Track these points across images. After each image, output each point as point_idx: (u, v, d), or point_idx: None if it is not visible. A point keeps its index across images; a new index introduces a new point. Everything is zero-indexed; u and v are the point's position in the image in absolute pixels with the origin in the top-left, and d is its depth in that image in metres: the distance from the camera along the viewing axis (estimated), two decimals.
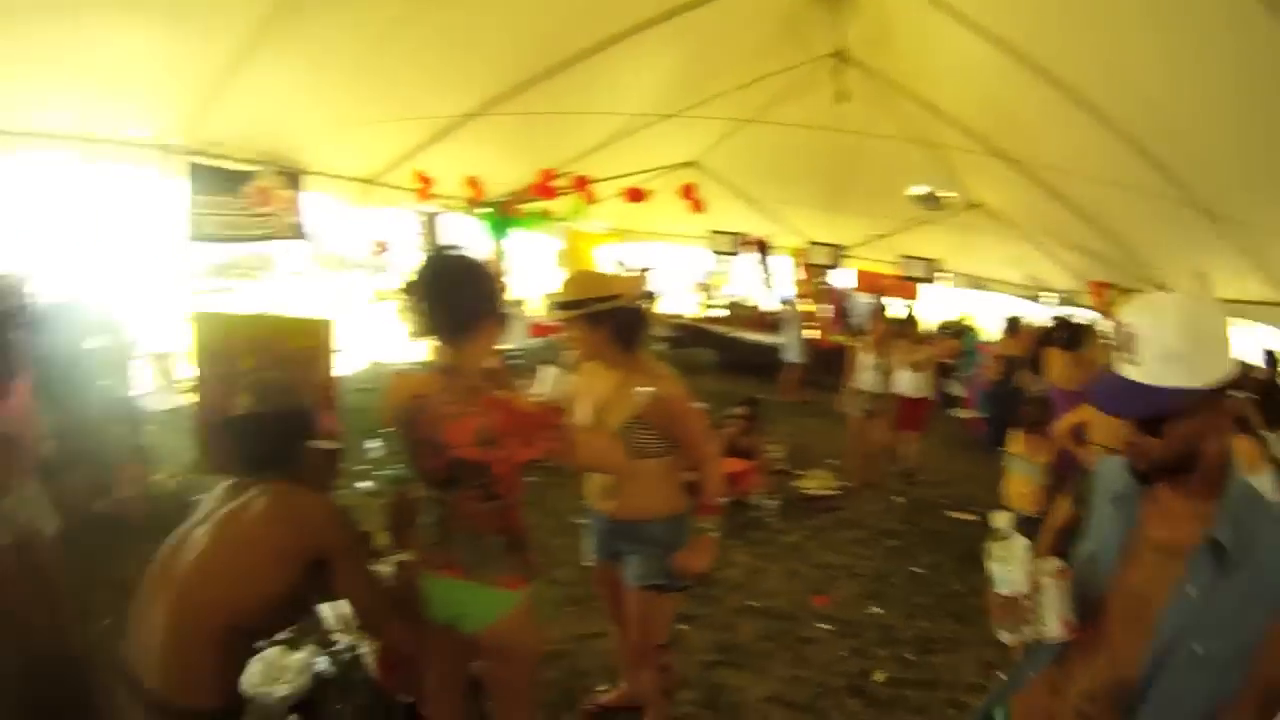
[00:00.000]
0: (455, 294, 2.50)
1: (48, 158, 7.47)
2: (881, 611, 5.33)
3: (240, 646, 2.43)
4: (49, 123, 7.25)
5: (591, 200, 9.87)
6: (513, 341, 11.36)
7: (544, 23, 7.16)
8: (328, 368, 4.27)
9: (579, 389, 3.32)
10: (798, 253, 14.28)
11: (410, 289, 2.50)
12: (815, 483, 7.58)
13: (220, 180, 8.54)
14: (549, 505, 6.27)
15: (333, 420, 3.87)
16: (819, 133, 8.99)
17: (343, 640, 4.16)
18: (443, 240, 11.23)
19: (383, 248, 11.48)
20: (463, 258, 2.57)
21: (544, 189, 9.66)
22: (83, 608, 4.38)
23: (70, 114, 7.25)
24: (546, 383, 3.06)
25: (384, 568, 2.75)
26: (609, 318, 3.12)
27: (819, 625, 5.06)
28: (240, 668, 2.45)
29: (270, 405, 2.57)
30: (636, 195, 9.59)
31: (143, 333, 8.13)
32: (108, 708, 2.54)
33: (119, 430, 5.88)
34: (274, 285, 20.76)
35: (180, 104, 7.54)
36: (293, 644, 4.08)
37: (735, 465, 6.78)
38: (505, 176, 10.61)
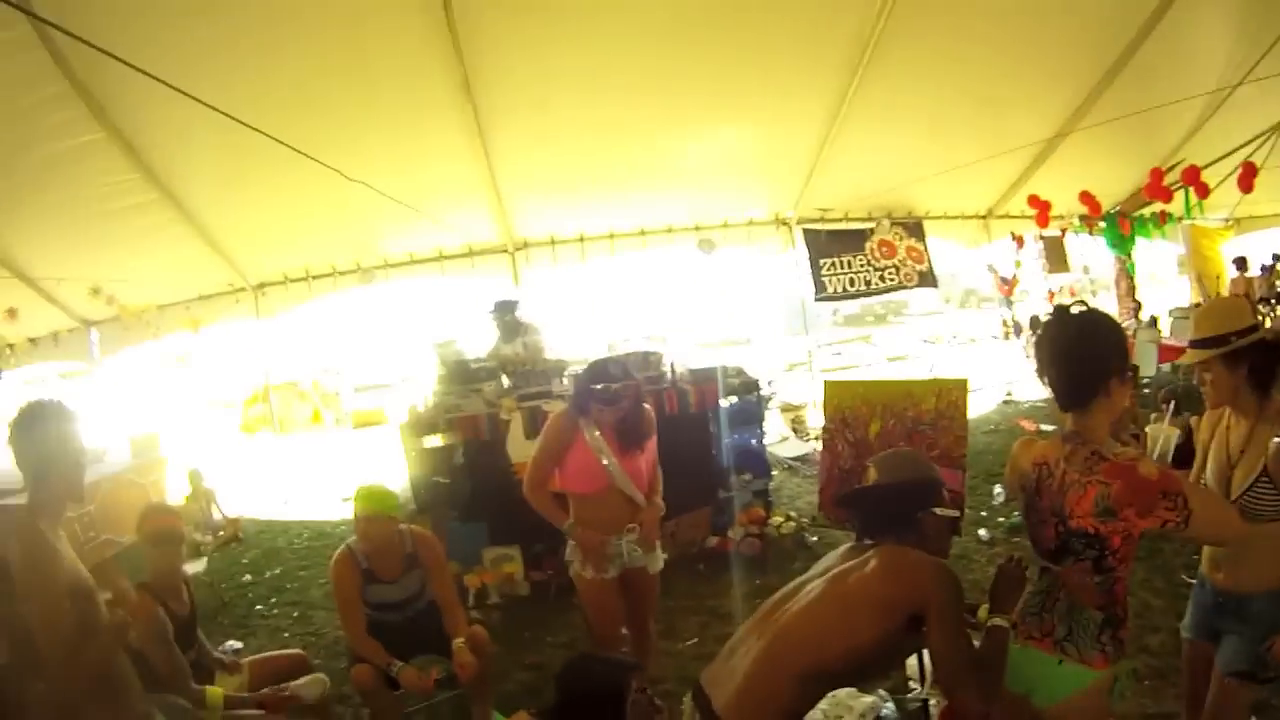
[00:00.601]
0: (1076, 362, 2.37)
1: (672, 249, 9.08)
2: None
3: (818, 688, 2.48)
4: (669, 217, 8.83)
5: (1204, 193, 8.64)
6: (1143, 367, 10.19)
7: (1096, 13, 6.63)
8: (959, 430, 4.17)
9: (1203, 440, 2.97)
10: None
11: (1034, 352, 2.49)
12: None
13: (838, 241, 9.20)
14: (1161, 559, 5.55)
15: (957, 483, 3.87)
16: None
17: (916, 691, 4.20)
18: (1069, 262, 11.09)
19: (1013, 283, 11.16)
20: (1084, 317, 2.39)
21: (1157, 189, 8.73)
22: (670, 628, 5.08)
23: (687, 207, 8.72)
24: (1158, 441, 2.86)
25: (976, 630, 2.65)
26: (1246, 354, 2.73)
27: None
28: (810, 706, 2.48)
29: (895, 479, 2.69)
30: (1249, 176, 7.91)
31: (777, 386, 8.96)
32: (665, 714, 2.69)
33: (745, 477, 6.47)
34: (906, 328, 21.37)
35: (787, 181, 8.45)
36: (867, 688, 4.17)
37: None
38: (1115, 186, 9.94)
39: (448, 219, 7.63)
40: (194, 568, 6.57)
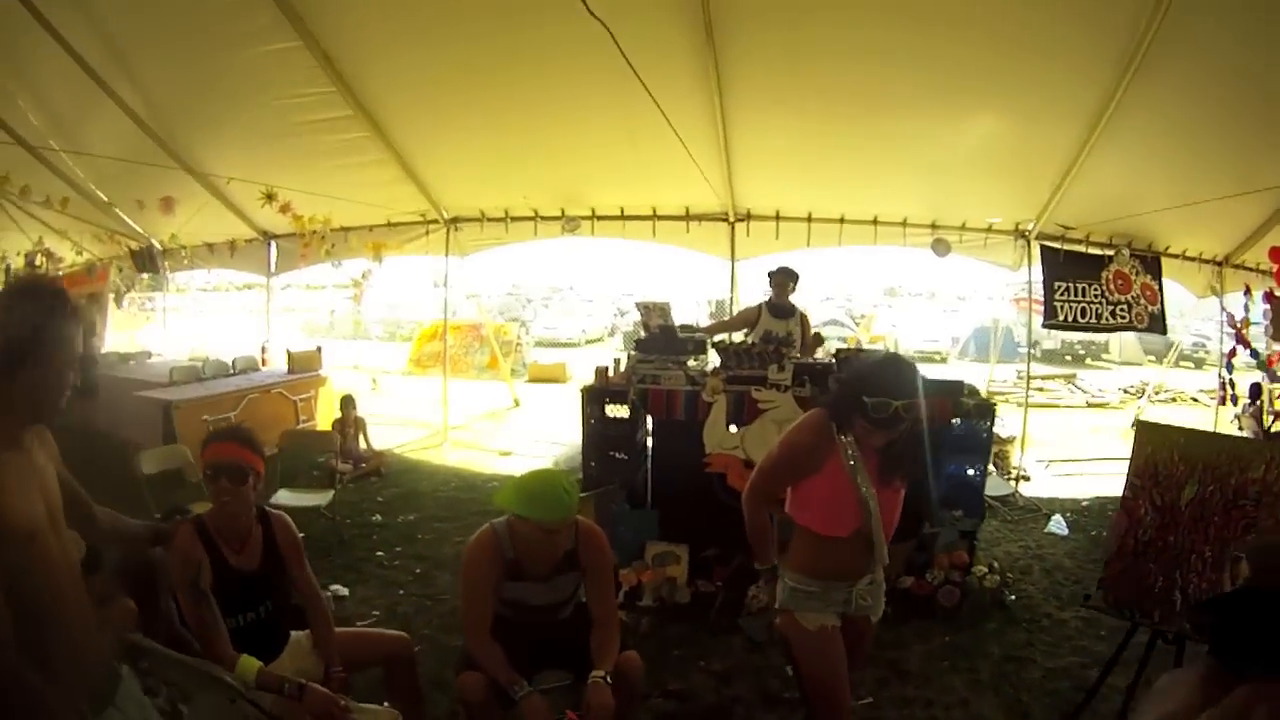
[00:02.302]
0: None
1: (902, 247, 8.63)
2: None
3: None
4: (905, 210, 8.27)
5: None
6: None
7: None
8: None
9: None
10: None
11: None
12: None
13: (1075, 265, 8.34)
14: None
15: None
16: None
17: None
18: None
19: (1244, 334, 9.91)
20: None
21: None
22: None
23: (925, 203, 8.17)
24: None
25: None
26: None
27: None
28: None
29: (1269, 583, 1.99)
30: None
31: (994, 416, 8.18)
32: None
33: (956, 514, 5.66)
34: (1105, 374, 19.91)
35: (1034, 190, 7.71)
36: None
37: None
38: None
39: (672, 174, 7.28)
40: (317, 499, 6.21)
